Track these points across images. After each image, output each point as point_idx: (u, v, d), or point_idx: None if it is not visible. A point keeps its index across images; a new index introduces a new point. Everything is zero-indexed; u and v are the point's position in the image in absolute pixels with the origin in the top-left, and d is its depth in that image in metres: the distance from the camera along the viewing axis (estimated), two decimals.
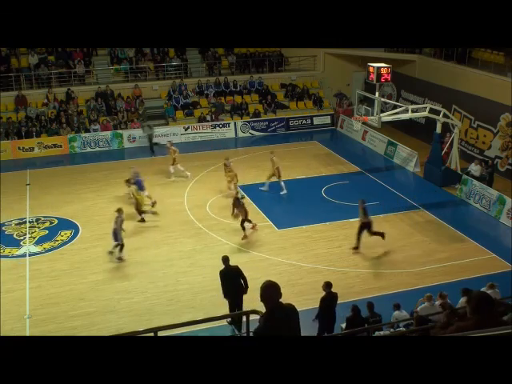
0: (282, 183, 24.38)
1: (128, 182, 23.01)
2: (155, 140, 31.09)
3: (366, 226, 19.36)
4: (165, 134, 32.16)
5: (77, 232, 21.45)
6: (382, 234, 19.58)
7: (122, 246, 19.11)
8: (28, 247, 20.34)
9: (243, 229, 20.34)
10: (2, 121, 31.80)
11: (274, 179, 24.42)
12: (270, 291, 6.40)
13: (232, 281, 15.02)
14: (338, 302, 14.39)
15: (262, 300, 6.37)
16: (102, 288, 17.70)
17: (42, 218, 22.51)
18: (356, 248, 19.48)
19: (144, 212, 21.78)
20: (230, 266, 15.17)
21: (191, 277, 18.19)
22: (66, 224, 22.03)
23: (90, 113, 32.67)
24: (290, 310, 6.56)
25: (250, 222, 20.58)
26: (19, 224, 22.06)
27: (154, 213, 22.01)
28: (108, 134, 31.72)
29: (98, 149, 31.22)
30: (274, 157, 24.52)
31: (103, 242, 20.43)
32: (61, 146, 31.02)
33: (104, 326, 15.57)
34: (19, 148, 30.56)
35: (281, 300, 6.33)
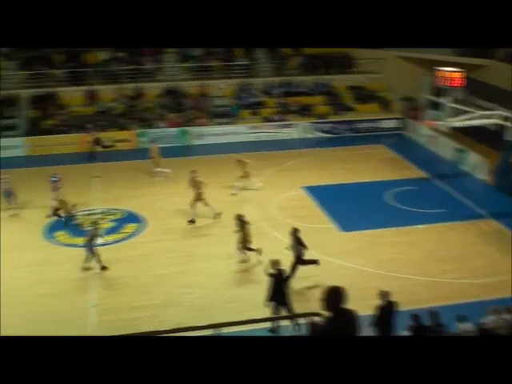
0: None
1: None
2: None
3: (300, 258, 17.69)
4: (229, 132, 32.44)
5: (142, 225, 21.87)
6: (314, 262, 18.09)
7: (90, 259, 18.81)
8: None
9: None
10: (73, 114, 32.73)
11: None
12: (334, 296, 6.38)
13: (281, 285, 15.10)
14: (399, 310, 14.17)
15: (324, 303, 6.34)
16: (164, 282, 17.97)
17: (110, 210, 23.05)
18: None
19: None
20: (280, 270, 15.25)
21: (253, 275, 18.28)
22: (132, 217, 22.50)
23: (159, 109, 33.26)
24: (352, 314, 6.52)
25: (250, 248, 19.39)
26: (88, 215, 22.65)
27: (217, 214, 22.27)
28: (175, 130, 32.22)
29: (165, 145, 31.67)
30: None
31: (167, 236, 20.80)
32: (129, 141, 31.70)
33: (165, 319, 15.78)
34: (89, 141, 31.32)
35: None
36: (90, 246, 18.49)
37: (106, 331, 15.03)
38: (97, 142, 30.40)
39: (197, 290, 17.51)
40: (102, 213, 22.92)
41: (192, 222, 21.96)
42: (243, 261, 19.05)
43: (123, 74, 34.50)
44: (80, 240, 20.60)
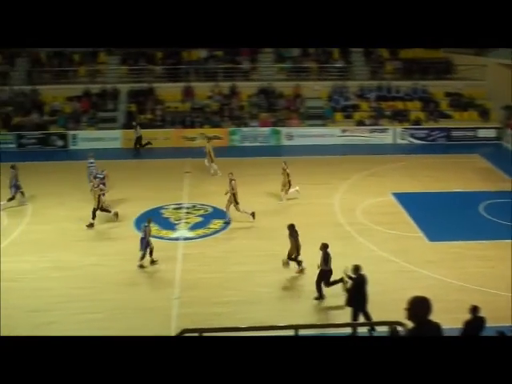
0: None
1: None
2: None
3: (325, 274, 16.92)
4: (321, 134, 32.33)
5: (228, 222, 22.12)
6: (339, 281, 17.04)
7: (144, 255, 18.84)
8: (182, 232, 21.32)
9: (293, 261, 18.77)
10: (169, 110, 33.58)
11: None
12: (419, 306, 6.20)
13: (362, 289, 14.90)
14: (485, 326, 13.68)
15: (408, 314, 6.18)
16: (247, 279, 18.12)
17: (198, 206, 23.48)
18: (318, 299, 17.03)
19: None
20: (362, 275, 15.05)
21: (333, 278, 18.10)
22: (219, 213, 22.80)
23: (252, 108, 33.58)
24: (437, 326, 6.33)
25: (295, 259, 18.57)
26: (176, 209, 23.18)
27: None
28: (267, 130, 32.42)
29: (256, 144, 32.02)
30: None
31: (252, 234, 20.99)
32: (221, 138, 32.17)
33: (246, 316, 15.88)
34: (182, 137, 32.13)
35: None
36: (144, 242, 18.66)
37: (186, 324, 15.30)
38: (139, 140, 31.04)
39: (276, 289, 17.55)
40: (189, 207, 23.38)
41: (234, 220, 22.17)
42: (300, 271, 18.42)
43: (220, 72, 35.07)
44: (168, 233, 21.15)
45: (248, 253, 19.73)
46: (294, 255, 18.19)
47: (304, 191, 24.25)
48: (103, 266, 18.52)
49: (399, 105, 34.51)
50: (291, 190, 23.79)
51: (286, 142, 32.27)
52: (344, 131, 32.71)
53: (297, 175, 24.56)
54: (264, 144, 32.07)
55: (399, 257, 19.34)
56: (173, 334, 14.77)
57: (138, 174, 26.96)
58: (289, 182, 23.74)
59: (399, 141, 32.76)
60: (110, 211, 22.18)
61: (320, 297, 16.78)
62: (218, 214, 22.79)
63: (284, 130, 32.51)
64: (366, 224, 21.82)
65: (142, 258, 18.65)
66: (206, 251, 19.93)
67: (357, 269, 15.10)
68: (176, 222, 22.09)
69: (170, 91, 34.41)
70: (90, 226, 21.59)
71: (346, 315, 15.04)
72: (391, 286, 17.08)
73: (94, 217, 21.65)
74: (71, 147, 31.82)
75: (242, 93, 34.56)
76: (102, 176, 23.21)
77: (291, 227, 18.28)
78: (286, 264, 18.22)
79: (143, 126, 32.35)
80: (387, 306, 14.70)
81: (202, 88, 34.55)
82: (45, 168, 26.48)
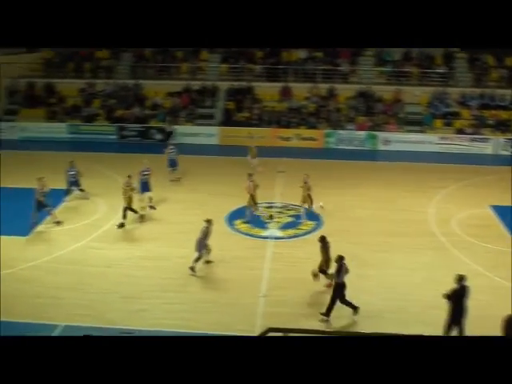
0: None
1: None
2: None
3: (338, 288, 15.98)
4: (418, 141, 31.65)
5: (320, 224, 22.05)
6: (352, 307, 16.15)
7: (199, 257, 18.48)
8: (273, 231, 21.42)
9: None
10: (266, 109, 33.84)
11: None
12: None
13: (461, 301, 14.36)
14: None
15: (505, 333, 5.96)
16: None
17: (290, 206, 23.52)
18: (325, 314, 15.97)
19: None
20: (464, 287, 14.49)
21: (423, 290, 17.66)
22: (310, 215, 22.75)
23: (349, 111, 33.32)
24: None
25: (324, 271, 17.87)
26: (268, 208, 23.31)
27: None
28: (363, 134, 32.08)
29: (351, 147, 31.74)
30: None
31: (343, 237, 20.77)
32: (316, 140, 32.12)
33: (331, 319, 15.80)
34: (278, 136, 32.31)
35: None
36: (202, 243, 18.39)
37: (270, 322, 15.38)
38: (169, 134, 31.98)
39: (364, 295, 17.30)
40: (281, 207, 23.47)
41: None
42: (328, 285, 17.56)
43: (318, 73, 34.99)
44: (258, 231, 21.31)
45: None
46: (324, 268, 17.51)
47: (396, 198, 23.85)
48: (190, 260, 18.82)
49: (503, 114, 33.25)
50: (314, 205, 22.60)
51: (382, 147, 31.82)
52: (443, 139, 31.88)
53: (391, 181, 24.18)
54: (359, 148, 31.76)
55: (493, 271, 18.64)
56: (257, 331, 14.89)
57: (231, 170, 27.29)
58: (309, 196, 22.42)
59: (501, 152, 31.57)
60: (137, 212, 22.18)
61: (326, 314, 15.80)
62: (309, 215, 22.74)
63: (381, 134, 32.06)
64: (460, 235, 21.16)
65: (197, 260, 18.35)
66: (295, 252, 19.94)
67: (460, 279, 14.56)
68: (267, 221, 22.23)
69: (267, 91, 34.67)
70: (121, 226, 21.62)
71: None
72: (483, 302, 16.45)
73: (125, 217, 21.72)
74: (169, 141, 32.61)
75: (339, 95, 34.35)
76: (147, 173, 23.55)
77: (323, 239, 17.62)
78: (315, 276, 17.58)
79: (240, 124, 32.75)
80: (478, 322, 14.24)
81: (300, 89, 34.60)
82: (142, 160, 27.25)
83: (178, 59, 36.72)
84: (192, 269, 18.25)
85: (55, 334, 15.18)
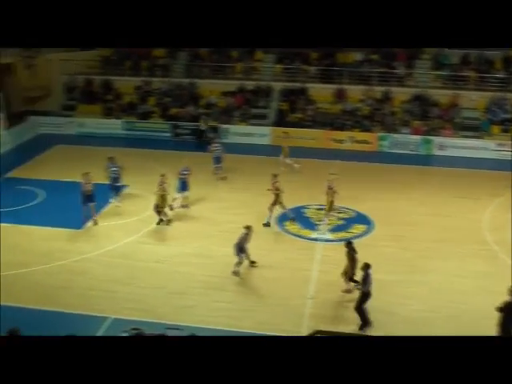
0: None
1: None
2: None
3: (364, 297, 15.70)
4: (475, 147, 31.00)
5: (370, 228, 21.84)
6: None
7: (240, 261, 18.29)
8: (323, 233, 21.32)
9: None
10: (319, 111, 33.72)
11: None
12: None
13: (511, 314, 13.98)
14: None
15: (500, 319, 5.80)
16: (384, 288, 17.73)
17: (341, 208, 23.36)
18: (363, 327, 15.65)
19: None
20: None
21: (475, 299, 17.28)
22: (361, 218, 22.58)
23: (404, 115, 32.90)
24: None
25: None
26: (319, 209, 23.21)
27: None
28: (418, 138, 31.62)
29: (405, 151, 31.34)
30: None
31: (394, 243, 20.57)
32: (370, 143, 31.83)
33: (379, 325, 15.61)
34: (331, 138, 32.14)
35: None
36: (239, 249, 18.23)
37: (317, 324, 15.34)
38: (202, 133, 32.42)
39: (414, 302, 17.07)
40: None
41: (267, 225, 21.73)
42: (347, 291, 17.37)
43: (374, 76, 34.65)
44: (308, 232, 21.25)
45: (388, 261, 19.33)
46: (351, 274, 17.13)
47: (450, 204, 23.46)
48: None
49: None
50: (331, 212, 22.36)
51: (436, 152, 31.27)
52: (500, 145, 31.10)
53: (445, 187, 23.79)
54: (414, 152, 31.29)
55: None
56: (303, 333, 14.86)
57: (284, 171, 27.31)
58: (332, 202, 22.19)
59: None
60: (164, 214, 22.01)
61: (364, 324, 15.53)
62: (360, 218, 22.58)
63: (436, 139, 31.51)
64: None
65: (238, 264, 18.21)
66: (344, 255, 19.76)
67: None
68: (317, 223, 22.13)
69: (322, 92, 34.52)
70: (162, 221, 21.79)
71: None
72: None
73: (159, 213, 21.74)
74: (222, 140, 32.82)
75: (395, 98, 33.92)
76: (186, 173, 23.64)
77: (349, 244, 17.27)
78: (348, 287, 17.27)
79: (293, 125, 32.70)
80: None
81: (355, 91, 34.31)
82: (198, 159, 27.51)
83: (233, 59, 36.91)
84: (235, 273, 18.24)
85: (105, 326, 15.46)
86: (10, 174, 27.56)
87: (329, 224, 22.07)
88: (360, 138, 32.01)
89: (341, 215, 22.86)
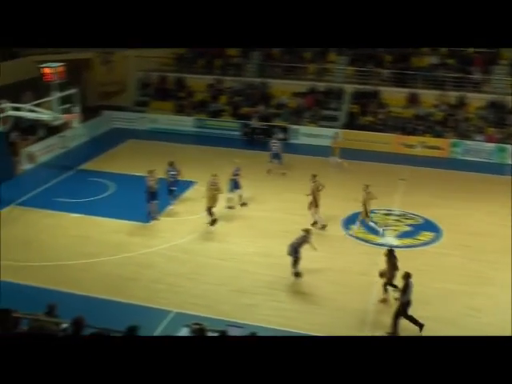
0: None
1: None
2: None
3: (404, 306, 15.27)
4: None
5: (438, 236, 21.38)
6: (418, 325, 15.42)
7: (296, 260, 17.93)
8: (389, 238, 21.00)
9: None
10: (391, 114, 33.25)
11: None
12: None
13: None
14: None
15: None
16: (450, 298, 17.37)
17: (408, 215, 22.97)
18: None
19: None
20: None
21: None
22: (429, 225, 22.13)
23: (478, 121, 32.06)
24: None
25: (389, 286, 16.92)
26: (386, 215, 22.89)
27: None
28: (492, 146, 30.73)
29: (478, 159, 30.54)
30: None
31: (462, 252, 20.06)
32: (441, 149, 31.16)
33: (442, 335, 15.26)
34: (402, 143, 31.64)
35: None
36: (294, 249, 17.90)
37: (378, 332, 15.15)
38: (254, 131, 32.75)
39: (482, 314, 16.59)
40: (399, 215, 22.96)
41: (316, 224, 21.61)
42: (383, 300, 16.97)
43: (449, 81, 33.89)
44: (373, 237, 20.98)
45: (455, 271, 18.88)
46: (390, 281, 16.76)
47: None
48: (304, 260, 18.74)
49: None
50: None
51: (511, 161, 30.29)
52: None
53: None
54: (487, 160, 30.43)
55: None
56: None
57: (352, 174, 27.08)
58: (366, 208, 21.07)
59: None
60: (213, 216, 21.56)
61: (419, 327, 15.34)
62: (428, 226, 22.13)
63: (511, 147, 30.56)
64: None
65: (294, 264, 17.88)
66: (409, 262, 19.33)
67: None
68: (384, 228, 21.82)
69: (394, 96, 34.03)
70: (213, 222, 21.46)
71: None
72: None
73: (210, 214, 21.47)
74: (291, 141, 32.86)
75: (469, 104, 33.08)
76: (238, 172, 23.58)
77: (390, 252, 16.85)
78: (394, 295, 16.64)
79: (363, 128, 32.39)
80: None
81: (428, 96, 33.64)
82: (264, 158, 27.64)
83: (306, 60, 36.83)
84: (296, 274, 18.08)
85: (168, 320, 15.70)
86: (84, 166, 28.38)
87: (395, 230, 21.73)
88: (432, 143, 31.38)
89: (408, 221, 22.47)
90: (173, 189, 23.54)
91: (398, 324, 15.36)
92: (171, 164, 23.67)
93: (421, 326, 15.40)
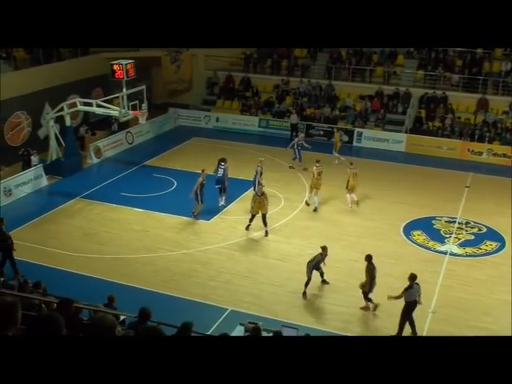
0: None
1: None
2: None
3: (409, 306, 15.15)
4: None
5: (502, 246, 20.79)
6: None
7: (321, 274, 17.71)
8: (451, 246, 20.57)
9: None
10: (459, 120, 32.52)
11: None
12: None
13: None
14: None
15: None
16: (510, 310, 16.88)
17: (472, 223, 22.42)
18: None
19: None
20: None
21: None
22: (493, 235, 21.55)
23: None
24: None
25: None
26: (449, 222, 22.43)
27: None
28: None
29: None
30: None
31: None
32: (510, 157, 30.26)
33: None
34: (468, 150, 30.91)
35: None
36: (313, 268, 17.39)
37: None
38: (294, 127, 33.29)
39: None
40: (463, 223, 22.44)
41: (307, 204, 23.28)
42: (364, 308, 16.72)
43: None
44: (435, 244, 20.59)
45: None
46: (366, 289, 16.44)
47: None
48: (362, 263, 18.55)
49: None
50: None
51: None
52: None
53: None
54: None
55: None
56: None
57: (416, 180, 26.67)
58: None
59: None
60: (250, 222, 21.28)
61: (399, 331, 15.16)
62: (492, 235, 21.54)
63: None
64: None
65: (306, 284, 17.34)
66: (471, 271, 19.01)
67: None
68: (446, 236, 21.39)
69: (463, 101, 33.26)
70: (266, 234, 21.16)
71: None
72: None
73: (265, 224, 21.06)
74: (355, 144, 32.56)
75: None
76: (261, 171, 23.34)
77: (369, 259, 16.51)
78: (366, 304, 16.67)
79: (430, 133, 31.82)
80: None
81: (499, 102, 32.72)
82: (328, 159, 27.55)
83: (374, 62, 36.42)
84: (323, 282, 17.89)
85: (222, 317, 15.84)
86: (149, 162, 28.92)
87: (458, 238, 21.25)
88: (499, 151, 30.50)
89: (472, 230, 21.94)
90: (219, 187, 23.21)
91: (402, 327, 15.22)
92: (222, 160, 23.55)
93: (415, 334, 15.26)
